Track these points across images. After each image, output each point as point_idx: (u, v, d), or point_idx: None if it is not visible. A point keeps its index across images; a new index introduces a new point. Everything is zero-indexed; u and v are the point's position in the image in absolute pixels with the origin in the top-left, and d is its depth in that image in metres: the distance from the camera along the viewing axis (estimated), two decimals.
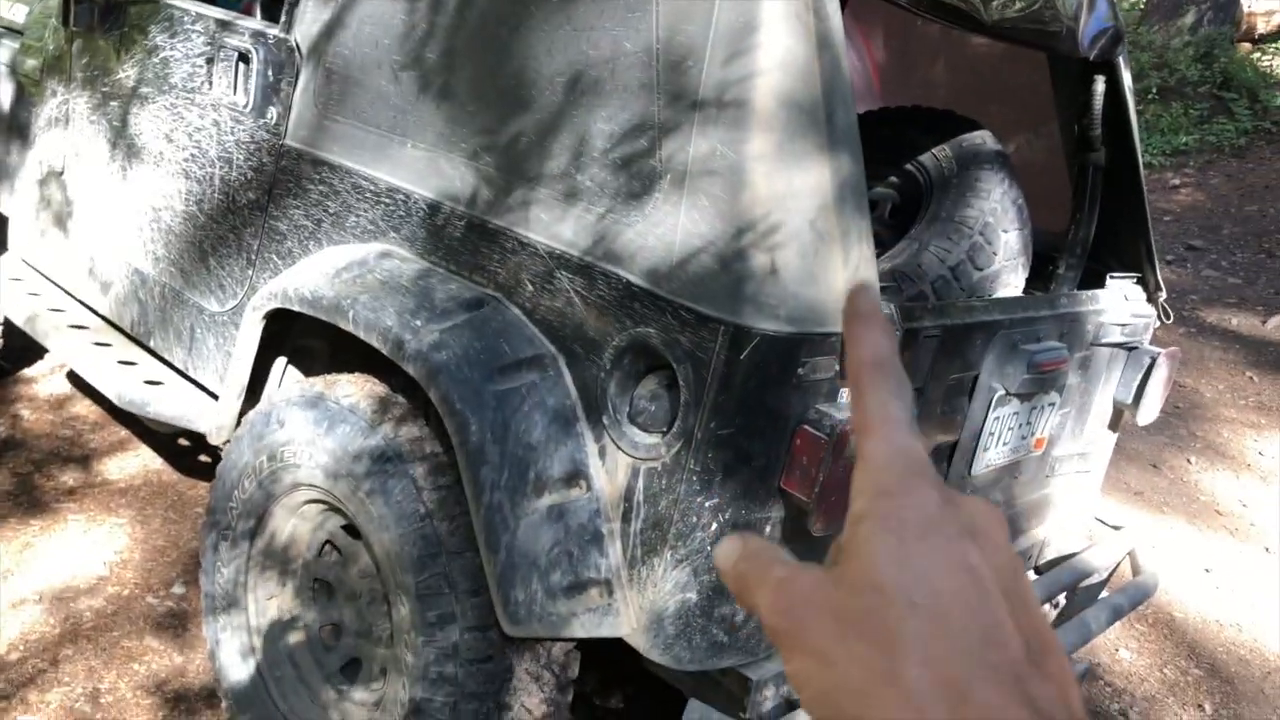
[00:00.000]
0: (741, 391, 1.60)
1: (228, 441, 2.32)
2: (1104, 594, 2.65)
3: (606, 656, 2.11)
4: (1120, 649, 3.43)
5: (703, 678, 1.90)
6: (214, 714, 2.37)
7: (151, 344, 2.81)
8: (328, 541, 2.19)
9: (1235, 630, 3.66)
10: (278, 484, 2.10)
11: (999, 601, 0.37)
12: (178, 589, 2.80)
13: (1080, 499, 2.77)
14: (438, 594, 1.83)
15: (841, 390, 1.71)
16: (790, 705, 1.89)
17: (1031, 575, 2.72)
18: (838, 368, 1.67)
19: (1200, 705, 3.23)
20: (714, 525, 1.67)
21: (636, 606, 1.76)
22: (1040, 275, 2.76)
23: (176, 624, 2.67)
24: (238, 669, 2.23)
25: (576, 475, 1.78)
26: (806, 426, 1.64)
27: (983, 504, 0.41)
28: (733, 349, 1.58)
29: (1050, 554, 2.70)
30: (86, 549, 2.91)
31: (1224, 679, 3.38)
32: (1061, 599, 2.76)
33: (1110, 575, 2.73)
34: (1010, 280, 2.52)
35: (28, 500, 3.11)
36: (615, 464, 1.77)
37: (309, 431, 2.01)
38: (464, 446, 1.76)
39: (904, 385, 0.42)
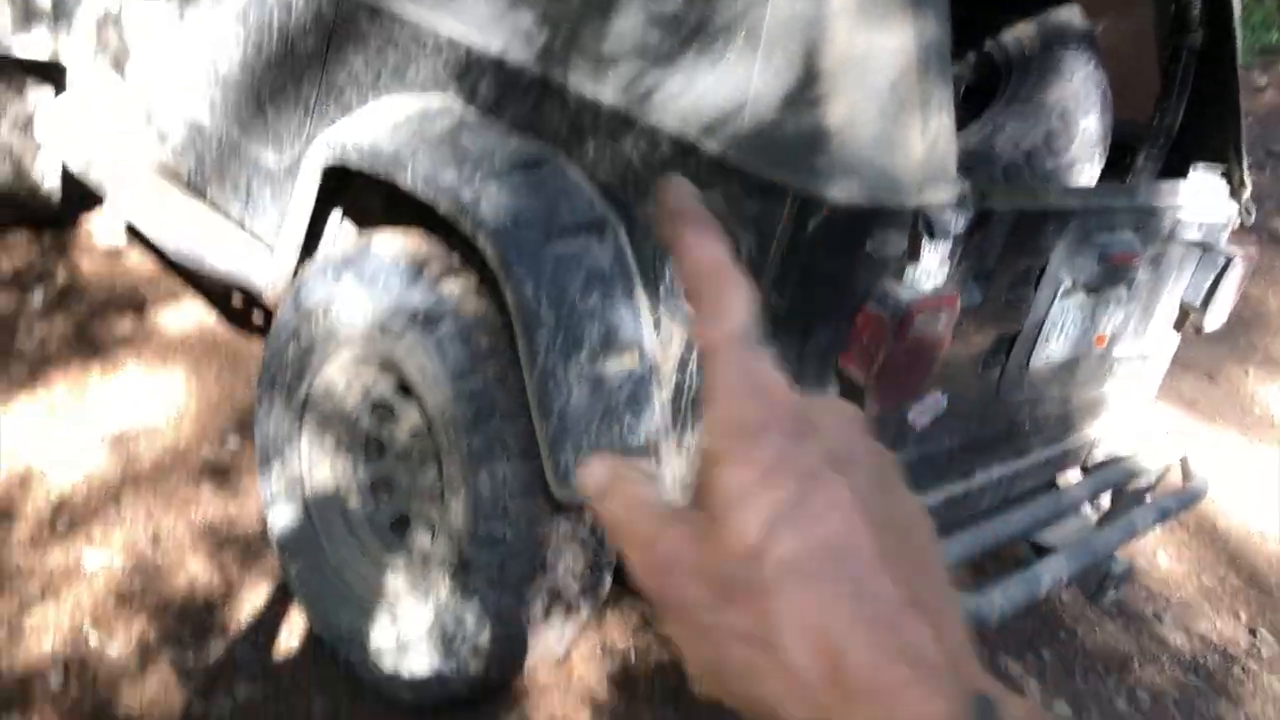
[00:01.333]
0: (806, 264, 1.56)
1: (282, 297, 2.33)
2: (1151, 497, 2.62)
3: None
4: (1159, 554, 3.42)
5: None
6: (266, 561, 2.45)
7: (208, 195, 2.81)
8: (379, 400, 2.21)
9: (1278, 543, 3.63)
10: (330, 340, 2.11)
11: (868, 541, 0.34)
12: (232, 441, 2.87)
13: (1135, 401, 2.72)
14: (489, 455, 1.84)
15: (908, 268, 1.66)
16: None
17: (1078, 474, 2.70)
18: (907, 245, 1.62)
19: (1236, 613, 3.23)
20: None
21: (683, 477, 1.77)
22: (1116, 167, 2.65)
23: (231, 474, 2.73)
24: (289, 520, 2.28)
25: (631, 343, 1.77)
26: (870, 305, 1.60)
27: (839, 413, 0.39)
28: (799, 219, 1.54)
29: (1100, 455, 2.67)
30: (144, 397, 2.97)
31: (1262, 590, 3.36)
32: (1107, 499, 2.74)
33: (1159, 480, 2.69)
34: (1085, 170, 2.42)
35: (87, 347, 3.17)
36: (670, 335, 1.75)
37: (363, 288, 2.00)
38: (519, 308, 1.74)
39: (744, 288, 0.38)
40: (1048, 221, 1.94)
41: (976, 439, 2.17)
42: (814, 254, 1.55)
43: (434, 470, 2.12)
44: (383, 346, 2.00)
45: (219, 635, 2.23)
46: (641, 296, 1.77)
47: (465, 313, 1.88)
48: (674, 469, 1.76)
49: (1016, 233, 1.86)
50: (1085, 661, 2.84)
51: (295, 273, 2.31)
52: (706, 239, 0.38)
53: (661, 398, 1.77)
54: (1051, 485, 2.67)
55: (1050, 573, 2.01)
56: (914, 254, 1.66)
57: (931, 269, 1.72)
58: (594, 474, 0.40)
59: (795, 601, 0.33)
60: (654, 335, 1.77)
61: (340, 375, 2.18)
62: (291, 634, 2.27)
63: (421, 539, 2.18)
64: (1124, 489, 2.63)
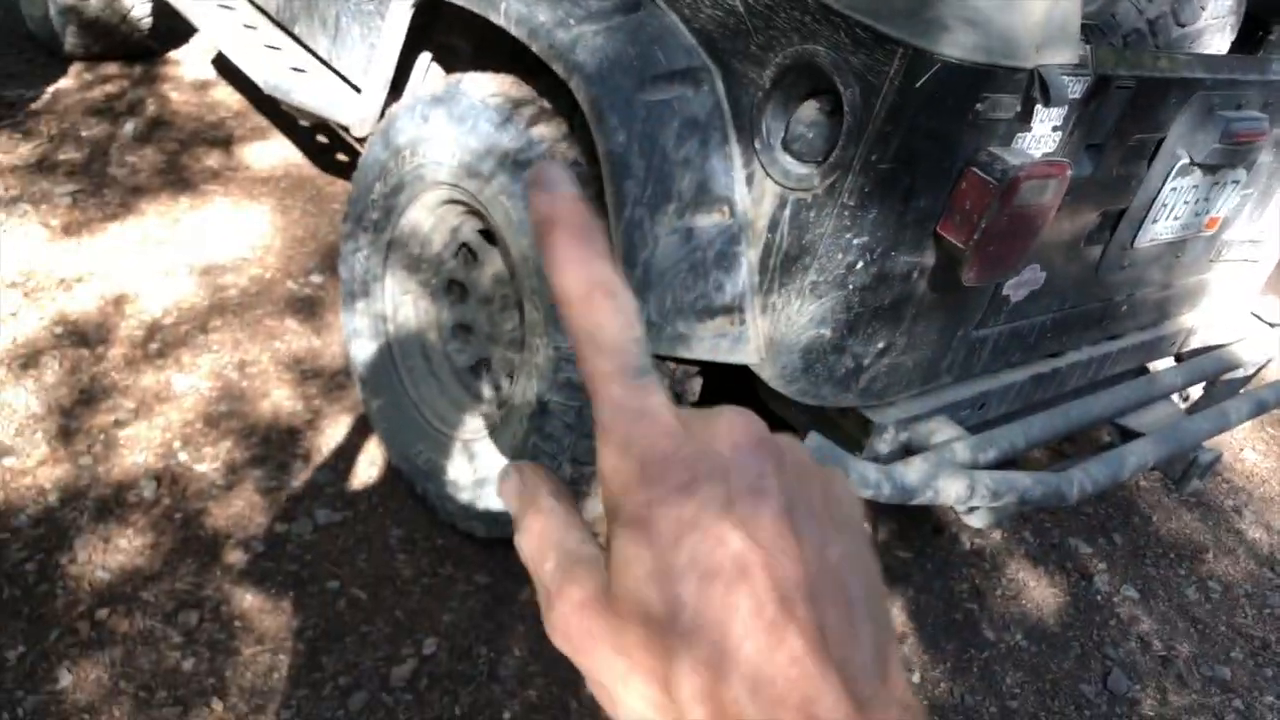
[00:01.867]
0: (911, 123, 1.48)
1: (370, 134, 2.31)
2: (1247, 389, 2.54)
3: (726, 393, 2.13)
4: (1245, 449, 3.34)
5: (820, 416, 1.90)
6: (348, 394, 2.51)
7: (296, 31, 2.77)
8: (464, 244, 2.21)
9: None
10: (418, 180, 2.10)
11: (771, 603, 0.30)
12: (316, 277, 2.91)
13: (1241, 290, 2.60)
14: None
15: (1019, 134, 1.58)
16: (907, 450, 1.89)
17: (1171, 362, 2.61)
18: (1020, 109, 1.53)
19: None
20: (860, 264, 1.61)
21: (767, 336, 1.74)
22: (1248, 41, 2.48)
23: (315, 309, 2.78)
24: (372, 357, 2.32)
25: (721, 199, 1.72)
26: (975, 169, 1.53)
27: (732, 431, 0.34)
28: (909, 75, 1.45)
29: (1196, 343, 2.58)
30: (231, 230, 3.02)
31: None
32: (1199, 389, 2.66)
33: (1257, 372, 2.60)
34: (1214, 42, 2.26)
35: (176, 178, 3.22)
36: (762, 191, 1.70)
37: (450, 128, 1.98)
38: (609, 156, 1.70)
39: (627, 307, 0.34)
40: (1169, 92, 1.81)
41: (1070, 317, 2.10)
42: (921, 112, 1.48)
43: (515, 317, 2.13)
44: (470, 189, 1.98)
45: (301, 462, 2.31)
46: (735, 150, 1.72)
47: (555, 158, 1.85)
48: (759, 329, 1.74)
49: (1135, 103, 1.75)
50: (1157, 549, 2.82)
51: (383, 111, 2.29)
52: (583, 250, 0.35)
53: (751, 256, 1.73)
54: (1143, 372, 2.60)
55: (1136, 456, 1.97)
56: (1026, 119, 1.57)
57: (1043, 135, 1.63)
58: (508, 492, 0.37)
59: (699, 671, 0.30)
60: (746, 191, 1.72)
61: (426, 216, 2.18)
62: (371, 466, 2.35)
63: (502, 382, 2.21)
64: (1218, 379, 2.55)
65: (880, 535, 2.58)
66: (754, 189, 1.71)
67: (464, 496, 2.14)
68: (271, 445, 2.33)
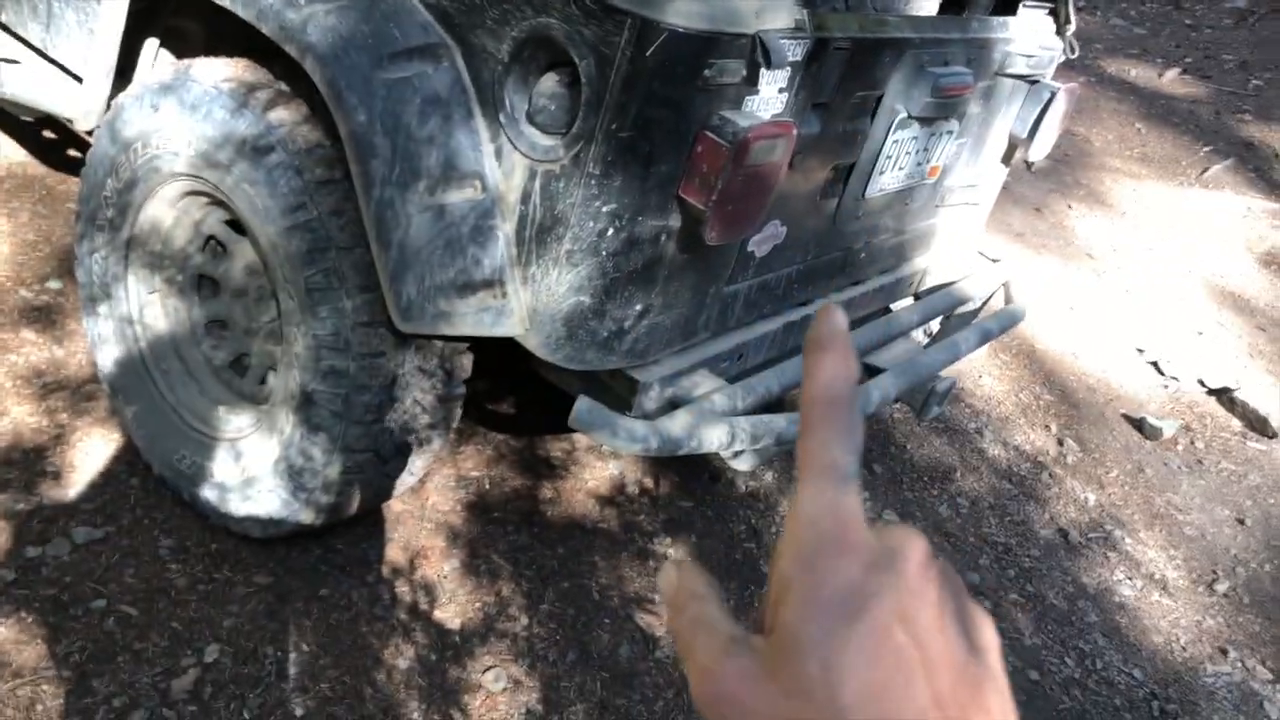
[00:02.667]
0: (646, 91, 1.55)
1: (96, 128, 2.17)
2: (975, 321, 2.79)
3: (498, 365, 2.15)
4: (983, 376, 3.67)
5: (591, 379, 1.96)
6: (98, 404, 2.36)
7: (3, 19, 2.55)
8: (210, 237, 2.12)
9: (1087, 362, 3.94)
10: (153, 174, 1.99)
11: (925, 690, 0.35)
12: (53, 283, 2.71)
13: (965, 231, 2.85)
14: (327, 289, 1.81)
15: (746, 96, 1.67)
16: (673, 404, 1.98)
17: (909, 301, 2.84)
18: (745, 73, 1.63)
19: (1047, 426, 3.52)
20: (611, 231, 1.67)
21: (529, 308, 1.78)
22: (952, 5, 2.70)
23: (54, 318, 2.59)
24: (121, 363, 2.20)
25: (471, 174, 1.73)
26: (708, 132, 1.61)
27: (908, 546, 0.38)
28: (639, 44, 1.51)
29: (930, 282, 2.81)
30: None
31: (1071, 404, 3.67)
32: (936, 324, 2.90)
33: (984, 304, 2.87)
34: (926, 4, 2.45)
35: None
36: (512, 165, 1.72)
37: (183, 117, 1.89)
38: (352, 137, 1.68)
39: (855, 427, 0.39)
40: (883, 52, 1.96)
41: (814, 267, 2.25)
42: (653, 80, 1.54)
43: (272, 308, 2.06)
44: (211, 179, 1.90)
45: (51, 481, 2.16)
46: (481, 125, 1.73)
47: (296, 142, 1.80)
48: (521, 301, 1.77)
49: (853, 63, 1.88)
50: (912, 474, 3.07)
51: (109, 103, 2.15)
52: (840, 371, 0.39)
53: (506, 230, 1.75)
54: (885, 312, 2.81)
55: (879, 390, 2.14)
56: (752, 82, 1.66)
57: (770, 98, 1.74)
58: (666, 583, 0.40)
59: None
60: (496, 165, 1.74)
61: (166, 211, 2.08)
62: (131, 477, 2.23)
63: (261, 376, 2.14)
64: (952, 314, 2.79)
65: (662, 489, 2.69)
66: (504, 163, 1.73)
67: (235, 498, 2.07)
68: (15, 466, 2.17)
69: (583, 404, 1.75)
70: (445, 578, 2.24)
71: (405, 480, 2.12)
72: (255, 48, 1.91)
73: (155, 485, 2.21)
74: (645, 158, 1.62)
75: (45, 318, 2.58)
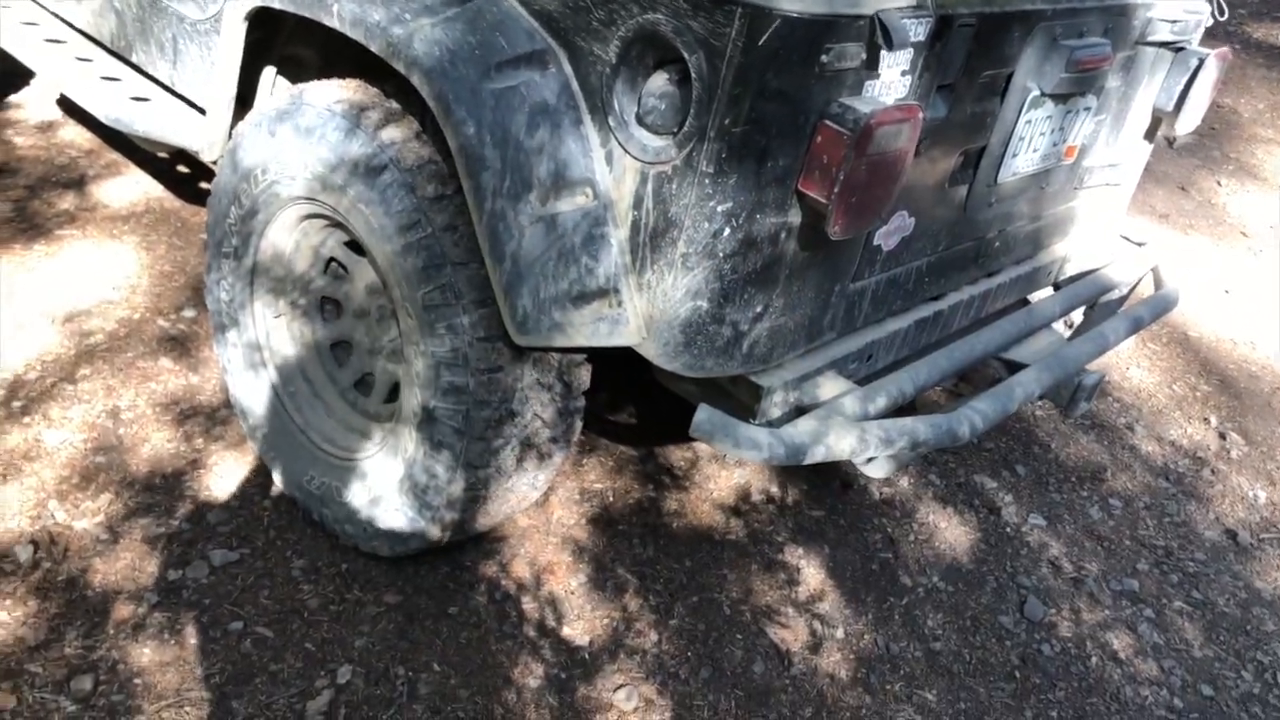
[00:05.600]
0: (759, 83, 1.47)
1: (220, 158, 2.22)
2: (1123, 309, 2.61)
3: (617, 374, 2.11)
4: (1131, 367, 3.45)
5: (711, 386, 1.89)
6: (231, 429, 2.42)
7: (134, 59, 2.65)
8: (331, 259, 2.14)
9: (1249, 348, 3.66)
10: (272, 200, 2.02)
11: None
12: (188, 312, 2.79)
13: (1107, 214, 2.67)
14: (444, 305, 1.79)
15: (866, 82, 1.58)
16: (799, 410, 1.89)
17: (1048, 291, 2.67)
18: (864, 56, 1.53)
19: (1206, 419, 3.28)
20: (727, 231, 1.60)
21: (645, 315, 1.72)
22: None
23: (189, 346, 2.67)
24: (251, 387, 2.24)
25: (582, 181, 1.69)
26: (827, 121, 1.53)
27: None
28: (750, 34, 1.44)
29: (1071, 270, 2.64)
30: (93, 273, 2.88)
31: (1233, 394, 3.41)
32: (1079, 314, 2.73)
33: (1131, 291, 2.68)
34: None
35: (28, 226, 3.06)
36: (623, 170, 1.67)
37: (298, 142, 1.90)
38: (462, 151, 1.65)
39: None
40: (1013, 26, 1.84)
41: (945, 259, 2.13)
42: (767, 71, 1.46)
43: (393, 327, 2.07)
44: (327, 202, 1.91)
45: (189, 505, 2.21)
46: (591, 130, 1.68)
47: (407, 160, 1.79)
48: (637, 308, 1.71)
49: (980, 40, 1.77)
50: (1059, 474, 2.89)
51: (230, 132, 2.20)
52: None
53: (619, 236, 1.70)
54: (1024, 304, 2.66)
55: (1022, 387, 2.00)
56: (873, 66, 1.57)
57: (893, 82, 1.64)
58: None
59: None
60: (606, 171, 1.69)
61: (287, 236, 2.10)
62: (263, 499, 2.26)
63: (387, 396, 2.15)
64: (1096, 303, 2.61)
65: (790, 497, 2.59)
66: (614, 168, 1.68)
67: (363, 517, 2.08)
68: (155, 491, 2.23)
69: (703, 413, 1.69)
70: (572, 593, 2.20)
71: (529, 495, 2.09)
72: (368, 68, 1.91)
73: (287, 506, 2.24)
74: (761, 153, 1.54)
75: (181, 346, 2.66)
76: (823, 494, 2.62)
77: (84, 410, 2.39)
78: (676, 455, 2.64)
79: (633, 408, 2.80)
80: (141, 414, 2.42)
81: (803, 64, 1.48)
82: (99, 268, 2.91)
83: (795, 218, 1.64)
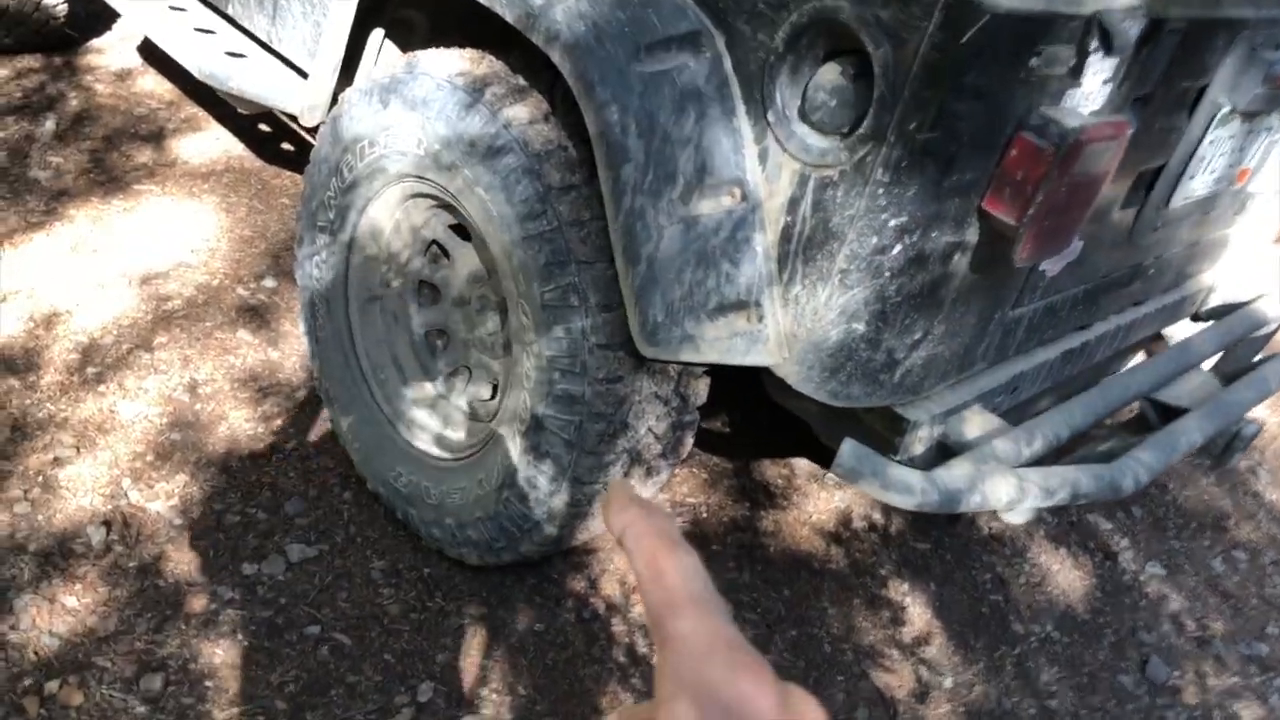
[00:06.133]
0: (955, 84, 1.29)
1: (320, 124, 2.08)
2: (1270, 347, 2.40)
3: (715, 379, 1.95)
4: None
5: (842, 415, 1.72)
6: (311, 411, 2.29)
7: (230, 11, 2.52)
8: (434, 241, 1.99)
9: None
10: (379, 174, 1.87)
11: None
12: (269, 281, 2.67)
13: (1257, 243, 2.46)
14: (565, 307, 1.63)
15: (1067, 90, 1.39)
16: (942, 448, 1.72)
17: (1185, 324, 2.47)
18: (1074, 61, 1.35)
19: None
20: (897, 248, 1.43)
21: (788, 333, 1.55)
22: None
23: (269, 318, 2.55)
24: (338, 371, 2.10)
25: (730, 180, 1.52)
26: (1027, 134, 1.35)
27: (806, 698, 0.36)
28: (952, 29, 1.26)
29: (1214, 301, 2.43)
30: (171, 234, 2.76)
31: None
32: (1220, 354, 2.52)
33: (1278, 329, 2.47)
34: None
35: (106, 179, 2.94)
36: (779, 170, 1.50)
37: (410, 115, 1.75)
38: (603, 139, 1.49)
39: (699, 564, 0.38)
40: (1218, 34, 1.64)
41: (1100, 286, 1.94)
42: (966, 72, 1.28)
43: (495, 319, 1.92)
44: (438, 182, 1.76)
45: (267, 492, 2.08)
46: (745, 124, 1.52)
47: (534, 144, 1.63)
48: (779, 325, 1.55)
49: (1184, 47, 1.57)
50: (1178, 519, 2.69)
51: (333, 98, 2.05)
52: (658, 518, 0.39)
53: (765, 243, 1.53)
54: (1158, 339, 2.46)
55: (1185, 436, 1.81)
56: (1077, 73, 1.39)
57: (1091, 91, 1.45)
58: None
59: None
60: (758, 170, 1.52)
61: (388, 214, 1.96)
62: (345, 491, 2.13)
63: (482, 392, 2.00)
64: (1241, 339, 2.41)
65: (894, 526, 2.42)
66: (768, 167, 1.51)
67: (453, 521, 1.94)
68: (232, 475, 2.10)
69: (850, 450, 1.52)
70: None
71: None
72: (484, 38, 1.76)
73: (369, 501, 2.11)
74: (946, 163, 1.36)
75: (261, 318, 2.54)
76: (928, 525, 2.44)
77: (160, 382, 2.27)
78: (772, 471, 2.47)
79: (726, 415, 2.63)
80: (219, 389, 2.29)
81: (1007, 66, 1.30)
82: (177, 228, 2.79)
83: (972, 237, 1.46)
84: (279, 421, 2.25)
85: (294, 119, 2.27)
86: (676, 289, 1.54)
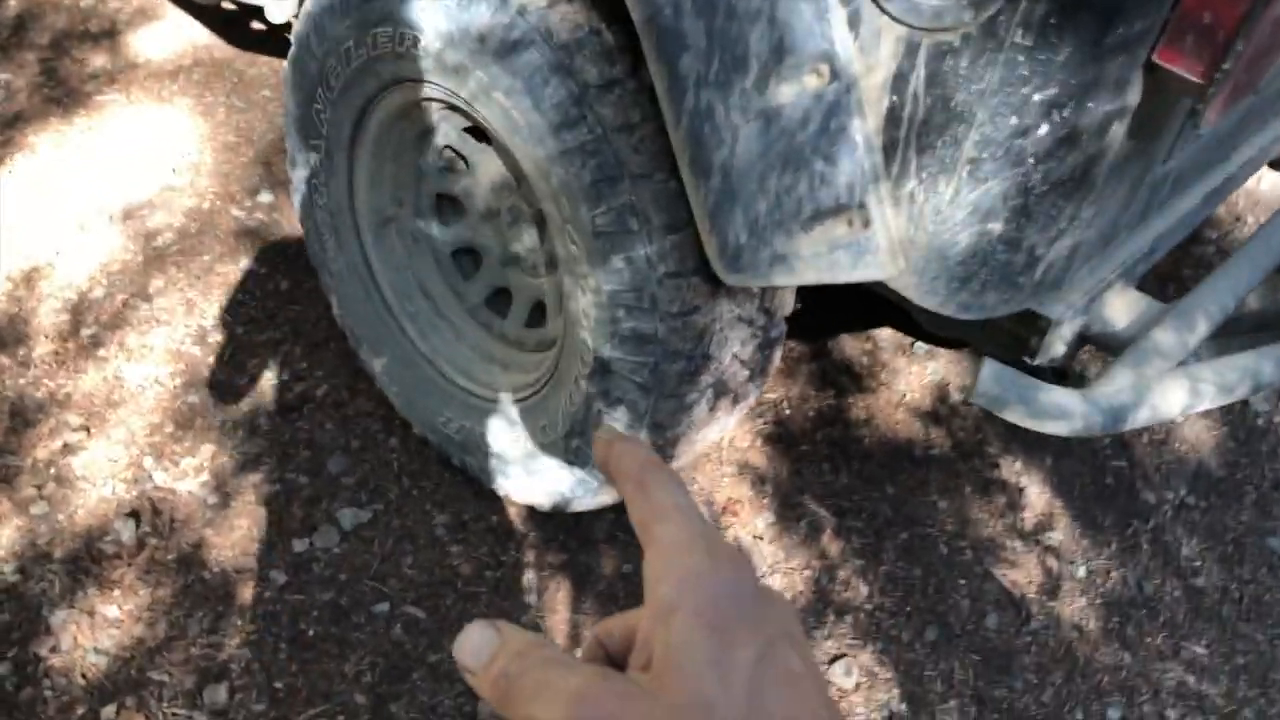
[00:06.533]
0: None
1: (292, 20, 1.74)
2: None
3: None
4: None
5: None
6: (339, 347, 2.04)
7: None
8: (447, 147, 1.69)
9: None
10: (374, 77, 1.55)
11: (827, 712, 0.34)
12: (265, 196, 2.37)
13: None
14: (623, 232, 1.35)
15: None
16: (1083, 339, 1.46)
17: None
18: None
19: None
20: (1044, 127, 1.12)
21: (904, 238, 1.27)
22: None
23: (273, 240, 2.26)
24: (361, 306, 1.84)
25: (814, 56, 1.20)
26: None
27: (785, 600, 0.39)
28: None
29: None
30: (147, 151, 2.44)
31: None
32: None
33: None
34: None
35: (63, 93, 2.60)
36: (875, 36, 1.18)
37: (405, 5, 1.42)
38: (651, 23, 1.17)
39: (679, 479, 0.42)
40: None
41: (1254, 105, 1.62)
42: None
43: (532, 233, 1.64)
44: (446, 87, 1.45)
45: (304, 451, 1.87)
46: None
47: (559, 32, 1.31)
48: (890, 229, 1.26)
49: None
50: None
51: None
52: (637, 448, 0.43)
53: (865, 130, 1.23)
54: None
55: None
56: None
57: None
58: (473, 637, 0.37)
59: None
60: (849, 38, 1.20)
61: (392, 120, 1.65)
62: (388, 436, 1.91)
63: (529, 317, 1.75)
64: None
65: None
66: (861, 34, 1.19)
67: (516, 471, 1.72)
68: (262, 436, 1.88)
69: (991, 374, 1.26)
70: (760, 537, 1.86)
71: (715, 439, 1.71)
72: None
73: (420, 448, 1.89)
74: (1108, 13, 1.04)
75: (263, 240, 2.26)
76: None
77: (166, 336, 2.02)
78: (854, 348, 2.22)
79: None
80: (231, 335, 2.05)
81: None
82: (152, 143, 2.47)
83: (1134, 99, 1.15)
84: (302, 363, 2.01)
85: (258, 13, 1.92)
86: (760, 201, 1.25)
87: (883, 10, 1.15)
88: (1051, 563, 1.89)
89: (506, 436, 1.72)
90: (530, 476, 1.71)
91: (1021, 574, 1.86)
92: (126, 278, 2.13)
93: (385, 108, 1.62)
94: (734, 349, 1.50)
